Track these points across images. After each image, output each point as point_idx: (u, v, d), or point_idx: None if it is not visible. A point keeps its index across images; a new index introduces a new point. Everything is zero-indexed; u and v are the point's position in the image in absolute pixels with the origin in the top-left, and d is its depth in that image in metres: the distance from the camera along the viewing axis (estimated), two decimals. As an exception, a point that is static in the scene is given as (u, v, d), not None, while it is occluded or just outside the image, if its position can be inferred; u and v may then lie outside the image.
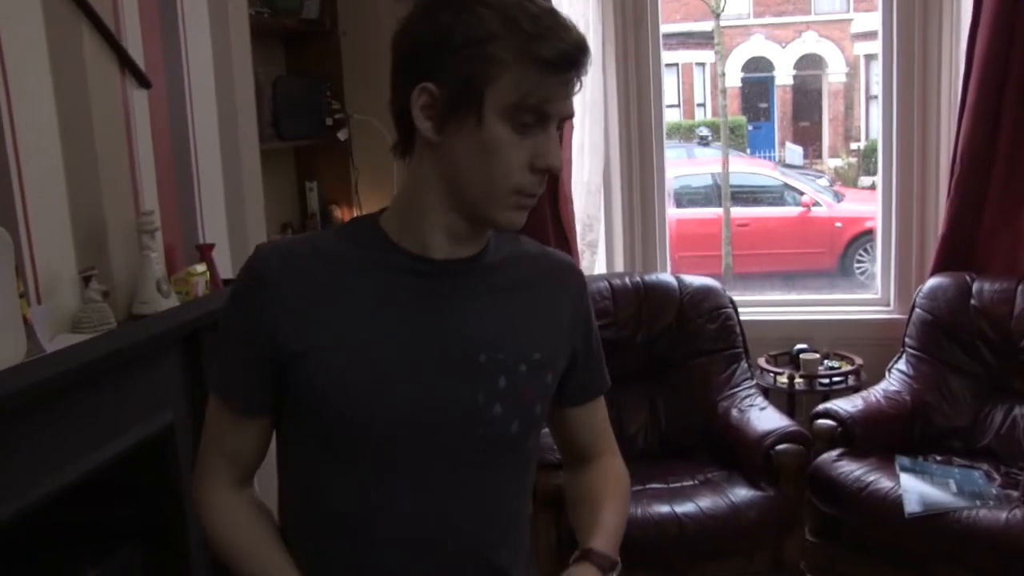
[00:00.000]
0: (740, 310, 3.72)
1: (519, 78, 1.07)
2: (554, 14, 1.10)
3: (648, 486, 3.14)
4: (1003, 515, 2.80)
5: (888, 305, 4.00)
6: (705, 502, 3.00)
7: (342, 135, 3.83)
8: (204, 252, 2.56)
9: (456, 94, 1.08)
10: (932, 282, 3.57)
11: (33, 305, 1.88)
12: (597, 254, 4.03)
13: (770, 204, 9.00)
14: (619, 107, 3.96)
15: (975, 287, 3.46)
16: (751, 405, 3.33)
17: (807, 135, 15.39)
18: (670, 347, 3.60)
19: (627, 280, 3.72)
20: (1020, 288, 3.37)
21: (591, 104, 3.81)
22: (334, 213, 3.92)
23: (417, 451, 1.16)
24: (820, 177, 11.79)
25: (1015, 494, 2.89)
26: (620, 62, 3.92)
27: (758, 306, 4.19)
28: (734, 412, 3.34)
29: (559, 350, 1.29)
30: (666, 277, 3.78)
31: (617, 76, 3.93)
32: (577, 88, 1.12)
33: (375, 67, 3.80)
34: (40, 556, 2.07)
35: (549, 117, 1.11)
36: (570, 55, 1.08)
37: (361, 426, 1.14)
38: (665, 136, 4.02)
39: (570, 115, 1.14)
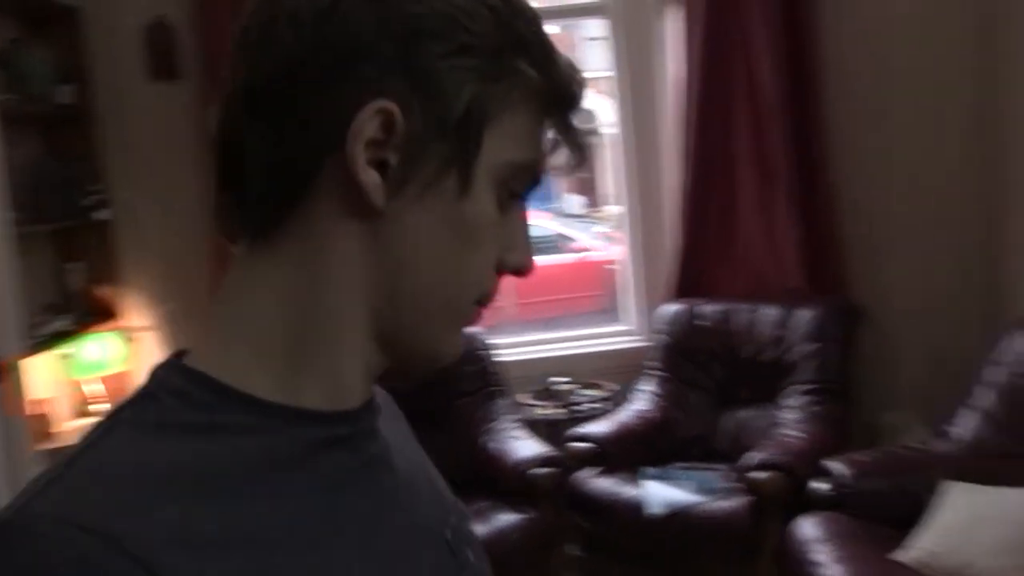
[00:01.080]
0: (509, 351, 4.04)
1: (539, 118, 0.65)
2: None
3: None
4: (728, 504, 3.18)
5: (640, 335, 4.38)
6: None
7: (104, 215, 3.87)
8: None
9: (437, 130, 0.61)
10: (665, 309, 3.99)
11: None
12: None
13: (548, 253, 9.44)
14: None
15: (700, 310, 3.90)
16: (509, 437, 3.58)
17: (587, 185, 16.21)
18: (434, 392, 3.79)
19: (389, 333, 3.90)
20: (734, 308, 3.84)
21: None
22: (99, 292, 3.92)
23: None
24: (597, 224, 12.46)
25: (741, 486, 3.27)
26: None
27: (524, 346, 4.48)
28: (492, 445, 3.57)
29: None
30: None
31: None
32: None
33: (135, 149, 3.94)
34: None
35: (537, 187, 0.70)
36: (581, 92, 0.67)
37: None
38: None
39: None
